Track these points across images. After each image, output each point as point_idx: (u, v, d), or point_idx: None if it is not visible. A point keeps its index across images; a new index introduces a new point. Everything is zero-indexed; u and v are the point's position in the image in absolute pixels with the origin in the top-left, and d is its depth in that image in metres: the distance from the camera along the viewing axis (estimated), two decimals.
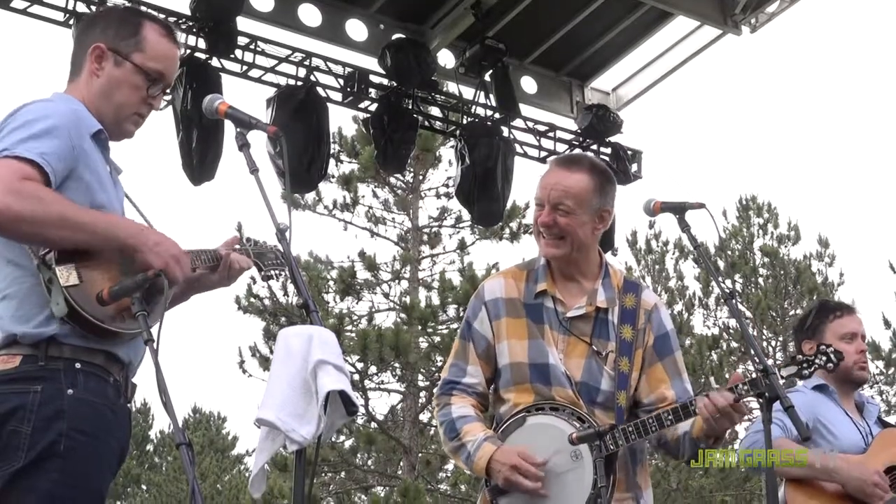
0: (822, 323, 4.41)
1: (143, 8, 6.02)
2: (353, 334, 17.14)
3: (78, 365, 2.60)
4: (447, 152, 18.36)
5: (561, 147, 8.03)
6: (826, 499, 4.10)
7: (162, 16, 6.50)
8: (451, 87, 8.11)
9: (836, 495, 4.10)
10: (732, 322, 24.03)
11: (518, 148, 7.78)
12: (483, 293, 3.51)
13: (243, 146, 2.77)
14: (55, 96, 2.85)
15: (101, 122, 2.81)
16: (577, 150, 7.99)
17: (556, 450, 3.22)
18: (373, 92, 7.26)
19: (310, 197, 18.66)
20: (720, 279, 3.20)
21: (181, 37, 6.60)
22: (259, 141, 6.38)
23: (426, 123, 7.89)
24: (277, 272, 3.36)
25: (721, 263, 22.57)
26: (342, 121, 25.25)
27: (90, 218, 2.58)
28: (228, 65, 6.79)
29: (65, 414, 2.54)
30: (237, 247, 3.21)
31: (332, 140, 9.01)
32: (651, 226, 25.56)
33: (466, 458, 3.33)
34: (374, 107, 7.33)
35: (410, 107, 7.40)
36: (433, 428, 18.49)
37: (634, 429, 3.23)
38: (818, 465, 4.06)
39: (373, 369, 17.81)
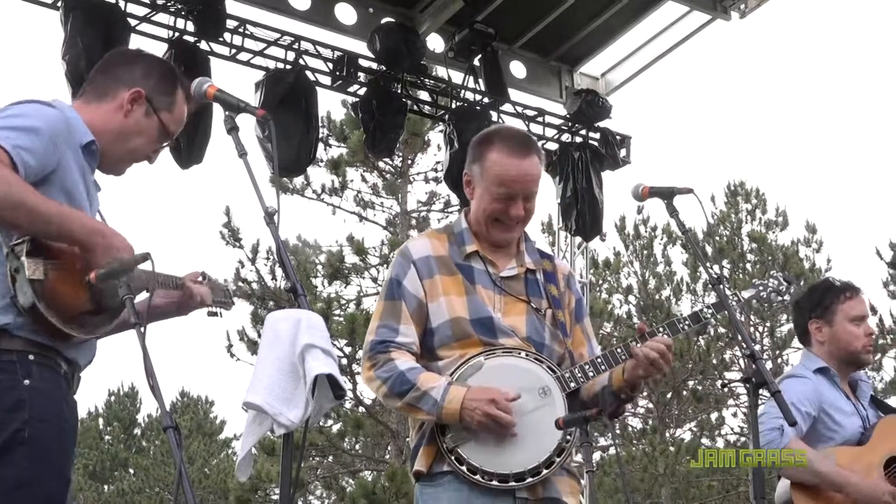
0: (834, 303, 4.31)
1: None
2: (342, 318, 17.09)
3: (31, 357, 2.62)
4: (436, 136, 18.30)
5: (550, 132, 8.04)
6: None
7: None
8: (441, 71, 8.13)
9: (843, 500, 4.02)
10: None
11: None
12: (409, 252, 3.31)
13: (232, 130, 2.76)
14: (55, 102, 2.83)
15: (104, 155, 2.87)
16: (568, 134, 7.99)
17: (521, 388, 3.11)
18: (362, 76, 7.26)
19: (298, 181, 18.58)
20: (708, 264, 3.21)
21: (178, 20, 6.58)
22: (248, 125, 6.38)
23: (415, 108, 7.90)
24: (221, 310, 3.44)
25: (709, 249, 22.61)
26: (331, 105, 25.12)
27: (47, 208, 2.57)
28: (217, 48, 6.78)
29: (25, 403, 2.56)
30: (200, 279, 3.24)
31: (320, 124, 8.98)
32: (639, 211, 25.59)
33: (433, 406, 3.07)
34: (362, 91, 7.32)
35: (399, 91, 7.40)
36: None
37: (591, 365, 3.25)
38: (824, 474, 3.98)
39: (361, 353, 17.78)
